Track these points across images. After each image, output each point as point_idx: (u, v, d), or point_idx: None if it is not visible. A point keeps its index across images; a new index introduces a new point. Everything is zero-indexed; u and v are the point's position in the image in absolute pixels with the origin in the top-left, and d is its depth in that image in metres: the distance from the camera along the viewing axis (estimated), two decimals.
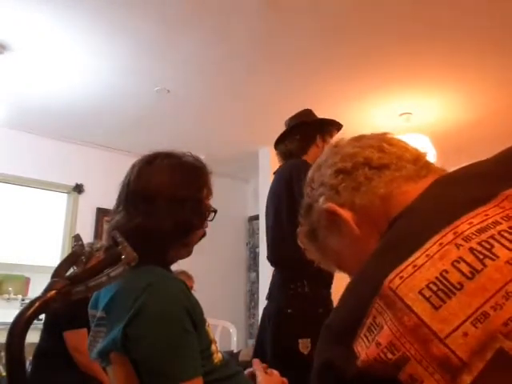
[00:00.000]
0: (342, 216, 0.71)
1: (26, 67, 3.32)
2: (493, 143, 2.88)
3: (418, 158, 0.73)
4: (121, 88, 3.65)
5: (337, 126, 2.36)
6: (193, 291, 1.07)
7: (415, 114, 4.04)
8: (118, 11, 2.73)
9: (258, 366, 1.25)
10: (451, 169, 0.69)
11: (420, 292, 0.45)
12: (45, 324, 2.77)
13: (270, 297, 2.17)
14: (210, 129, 4.45)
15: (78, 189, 4.64)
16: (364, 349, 0.46)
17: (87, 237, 4.05)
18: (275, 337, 2.01)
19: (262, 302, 2.44)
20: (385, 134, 0.79)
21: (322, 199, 0.75)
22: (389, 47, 3.11)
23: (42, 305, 0.54)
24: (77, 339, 2.61)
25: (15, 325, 0.51)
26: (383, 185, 0.70)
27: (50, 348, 2.64)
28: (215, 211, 1.19)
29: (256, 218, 5.38)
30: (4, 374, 4.21)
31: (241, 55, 3.21)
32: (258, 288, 5.08)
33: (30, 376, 2.73)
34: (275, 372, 1.27)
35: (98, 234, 4.58)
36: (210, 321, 1.16)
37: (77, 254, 0.80)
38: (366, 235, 0.70)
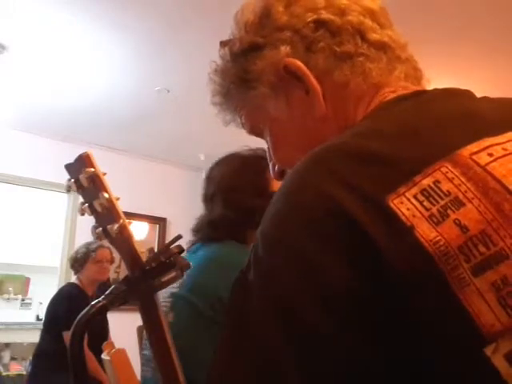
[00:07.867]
0: (312, 84, 0.51)
1: (26, 67, 3.32)
2: None
3: (412, 58, 0.55)
4: (121, 88, 3.65)
5: None
6: None
7: None
8: (118, 11, 2.74)
9: None
10: None
11: None
12: (45, 324, 2.77)
13: None
14: (210, 129, 4.44)
15: None
16: (422, 221, 0.34)
17: (87, 237, 4.03)
18: None
19: None
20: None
21: (285, 48, 0.52)
22: None
23: (101, 307, 0.63)
24: None
25: (77, 324, 0.61)
26: (379, 72, 0.51)
27: (50, 348, 2.65)
28: None
29: None
30: (4, 373, 4.21)
31: None
32: None
33: (30, 376, 2.74)
34: None
35: None
36: None
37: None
38: (327, 119, 0.52)
